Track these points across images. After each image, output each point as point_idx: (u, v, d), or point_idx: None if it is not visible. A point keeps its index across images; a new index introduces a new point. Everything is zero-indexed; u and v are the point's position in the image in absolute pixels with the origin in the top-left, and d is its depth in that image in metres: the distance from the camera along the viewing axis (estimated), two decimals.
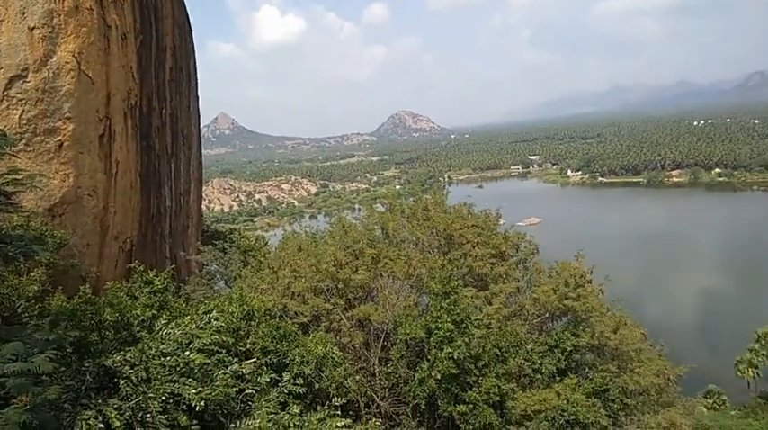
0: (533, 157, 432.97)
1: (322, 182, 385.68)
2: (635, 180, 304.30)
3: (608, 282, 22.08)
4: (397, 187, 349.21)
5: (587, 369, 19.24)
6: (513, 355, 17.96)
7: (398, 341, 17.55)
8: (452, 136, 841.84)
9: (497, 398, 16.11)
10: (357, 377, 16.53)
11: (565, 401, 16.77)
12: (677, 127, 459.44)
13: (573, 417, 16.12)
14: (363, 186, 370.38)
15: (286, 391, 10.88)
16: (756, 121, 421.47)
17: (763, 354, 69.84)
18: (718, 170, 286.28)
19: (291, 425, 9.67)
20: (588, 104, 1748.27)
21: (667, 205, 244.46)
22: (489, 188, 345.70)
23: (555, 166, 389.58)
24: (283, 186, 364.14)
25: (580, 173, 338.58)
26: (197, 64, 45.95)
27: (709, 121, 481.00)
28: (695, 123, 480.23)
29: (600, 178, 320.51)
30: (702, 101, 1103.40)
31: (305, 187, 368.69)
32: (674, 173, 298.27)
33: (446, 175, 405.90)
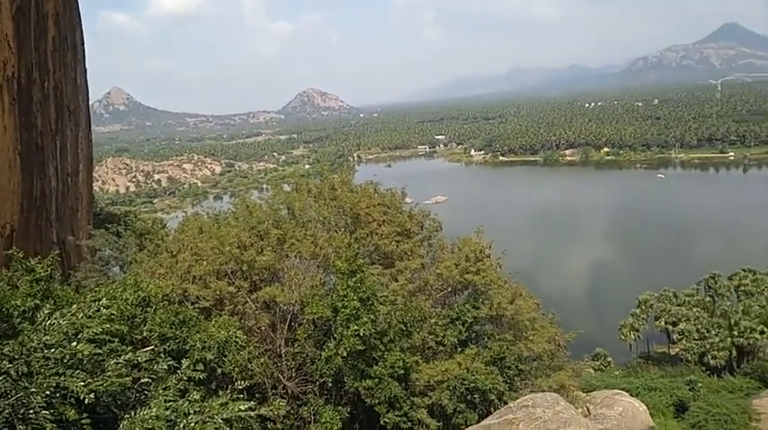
0: (439, 137, 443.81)
1: (227, 161, 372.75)
2: (533, 159, 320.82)
3: (506, 256, 23.25)
4: (306, 166, 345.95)
5: (486, 339, 20.28)
6: (418, 329, 18.55)
7: (305, 321, 17.57)
8: (361, 115, 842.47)
9: (402, 372, 16.62)
10: (262, 359, 16.38)
11: (465, 370, 17.62)
12: (570, 108, 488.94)
13: (473, 385, 16.98)
14: (271, 166, 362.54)
15: (186, 378, 10.54)
16: (639, 104, 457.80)
17: (643, 318, 77.14)
18: (606, 149, 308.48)
19: (191, 411, 9.37)
20: (490, 86, 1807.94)
21: (562, 182, 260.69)
22: (398, 167, 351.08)
23: (460, 146, 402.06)
24: (185, 166, 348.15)
25: (483, 152, 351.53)
26: (84, 34, 42.47)
27: (599, 104, 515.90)
28: (586, 105, 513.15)
29: (501, 157, 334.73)
30: (593, 84, 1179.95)
31: (209, 167, 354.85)
32: (567, 152, 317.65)
33: (355, 155, 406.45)
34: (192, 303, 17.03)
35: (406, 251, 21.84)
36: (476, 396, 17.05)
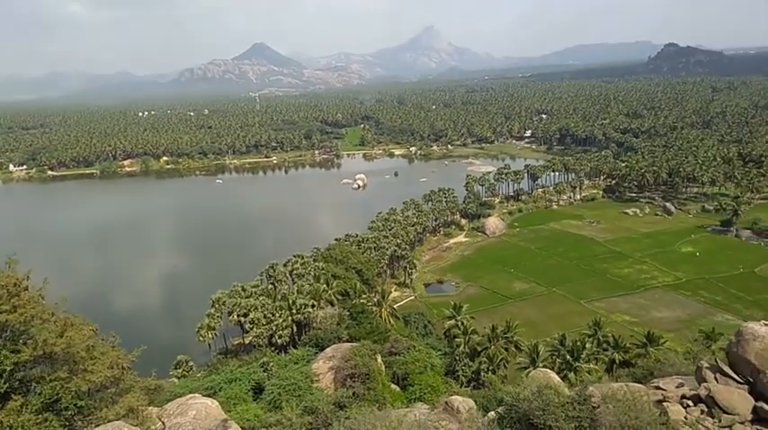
0: None
1: None
2: (88, 171, 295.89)
3: (56, 284, 20.41)
4: None
5: (35, 383, 17.34)
6: None
7: None
8: None
9: None
10: None
11: (8, 428, 14.65)
12: (124, 117, 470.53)
13: None
14: None
15: None
16: (192, 113, 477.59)
17: (217, 317, 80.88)
18: (166, 158, 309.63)
19: None
20: (25, 91, 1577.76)
21: (124, 194, 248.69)
22: None
23: None
24: None
25: (26, 167, 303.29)
26: None
27: (153, 113, 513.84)
28: (140, 114, 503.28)
29: (50, 172, 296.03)
30: (143, 92, 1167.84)
31: None
32: (126, 162, 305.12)
33: None
34: None
35: None
36: None
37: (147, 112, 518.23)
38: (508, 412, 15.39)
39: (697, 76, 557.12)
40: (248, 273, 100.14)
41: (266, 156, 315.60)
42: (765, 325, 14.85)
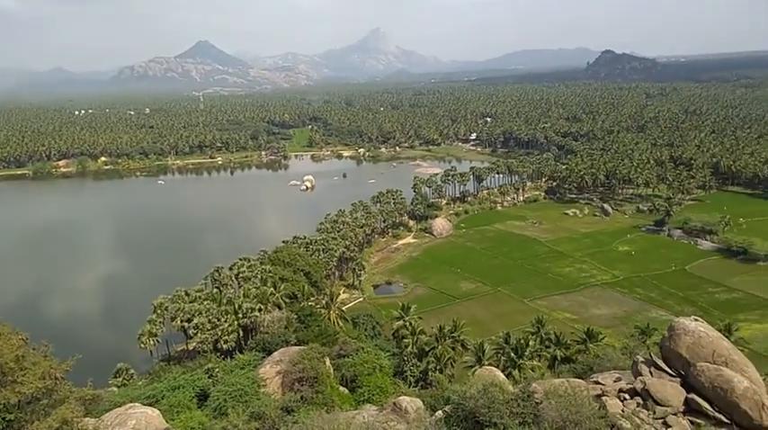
0: None
1: None
2: (20, 172, 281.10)
3: None
4: None
5: None
6: None
7: None
8: None
9: None
10: None
11: None
12: (59, 116, 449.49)
13: None
14: None
15: None
16: (132, 112, 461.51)
17: (160, 322, 78.30)
18: (104, 158, 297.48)
19: None
20: None
21: (60, 196, 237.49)
22: None
23: None
24: None
25: None
26: None
27: (90, 111, 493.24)
28: (77, 113, 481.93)
29: None
30: (80, 90, 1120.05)
31: None
32: (61, 163, 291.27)
33: None
34: None
35: None
36: None
37: (83, 111, 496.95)
38: (455, 411, 15.58)
39: (632, 82, 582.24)
40: (192, 278, 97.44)
41: (211, 157, 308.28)
42: (695, 320, 15.64)
